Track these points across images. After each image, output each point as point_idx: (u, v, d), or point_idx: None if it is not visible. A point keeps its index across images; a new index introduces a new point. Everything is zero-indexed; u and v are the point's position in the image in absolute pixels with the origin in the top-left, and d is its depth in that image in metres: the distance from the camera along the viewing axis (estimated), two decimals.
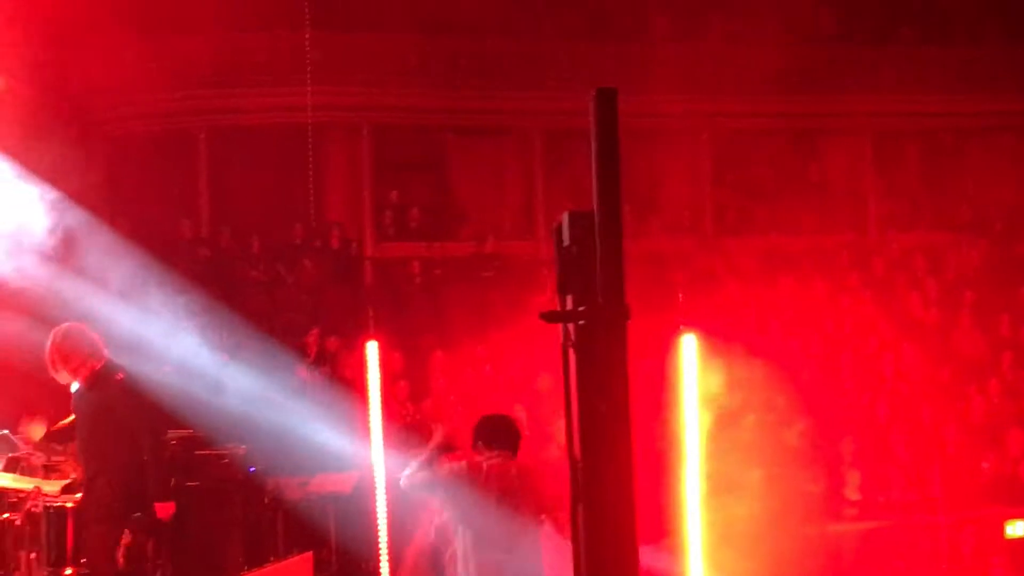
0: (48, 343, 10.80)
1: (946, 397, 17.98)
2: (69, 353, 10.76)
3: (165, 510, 11.12)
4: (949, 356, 18.91)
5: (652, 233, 21.04)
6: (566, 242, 5.50)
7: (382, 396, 15.75)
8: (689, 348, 14.26)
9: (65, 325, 10.92)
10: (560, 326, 5.59)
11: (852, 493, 16.50)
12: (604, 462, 5.20)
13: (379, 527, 15.20)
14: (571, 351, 5.40)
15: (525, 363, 16.98)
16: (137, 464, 10.85)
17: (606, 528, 5.22)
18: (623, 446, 5.22)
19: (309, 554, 14.21)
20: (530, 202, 21.76)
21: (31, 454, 12.64)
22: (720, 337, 15.00)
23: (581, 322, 5.33)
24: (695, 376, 14.19)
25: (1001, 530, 15.99)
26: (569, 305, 5.47)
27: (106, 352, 10.93)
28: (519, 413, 13.10)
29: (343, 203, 21.96)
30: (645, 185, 21.70)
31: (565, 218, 5.64)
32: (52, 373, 10.91)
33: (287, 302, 18.93)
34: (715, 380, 14.59)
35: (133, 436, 10.83)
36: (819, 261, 20.58)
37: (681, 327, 14.44)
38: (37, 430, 13.50)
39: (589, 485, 5.24)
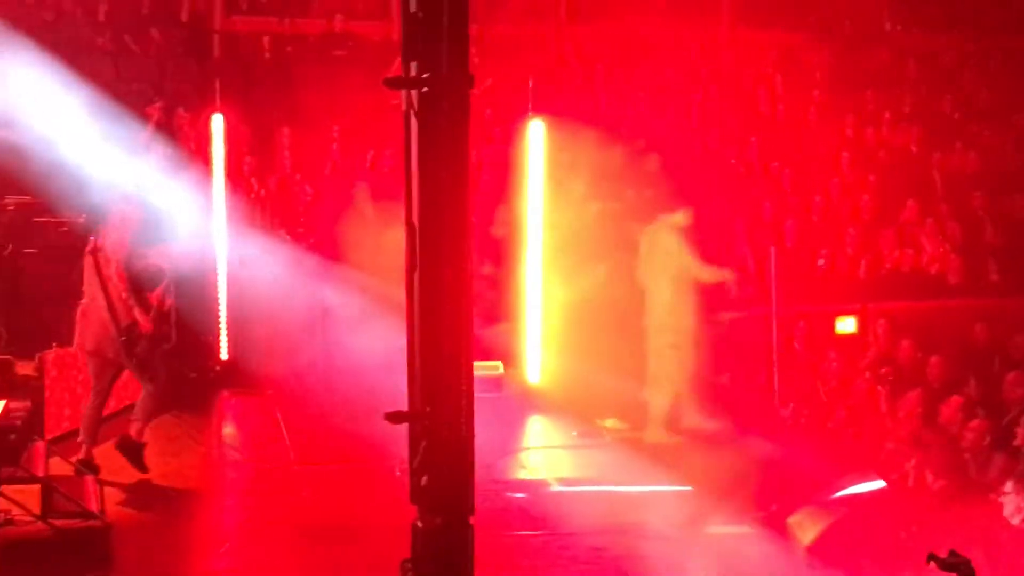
0: None
1: (788, 194, 18.24)
2: None
3: None
4: (794, 153, 19.11)
5: (507, 18, 20.81)
6: (413, 8, 5.41)
7: (227, 171, 15.62)
8: (537, 134, 14.30)
9: None
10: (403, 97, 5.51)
11: None
12: (442, 229, 5.19)
13: (220, 302, 15.20)
14: (413, 118, 5.35)
15: (371, 143, 16.88)
16: None
17: (442, 296, 5.24)
18: (462, 214, 5.22)
19: None
20: None
21: None
22: (571, 124, 15.05)
23: (424, 89, 5.27)
24: (542, 162, 14.26)
25: (832, 326, 16.39)
26: (413, 73, 5.40)
27: None
28: (362, 191, 12.99)
29: None
30: None
31: None
32: None
33: (133, 73, 18.56)
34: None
35: None
36: (674, 53, 20.46)
37: (531, 113, 14.45)
38: None
39: (426, 252, 5.23)
